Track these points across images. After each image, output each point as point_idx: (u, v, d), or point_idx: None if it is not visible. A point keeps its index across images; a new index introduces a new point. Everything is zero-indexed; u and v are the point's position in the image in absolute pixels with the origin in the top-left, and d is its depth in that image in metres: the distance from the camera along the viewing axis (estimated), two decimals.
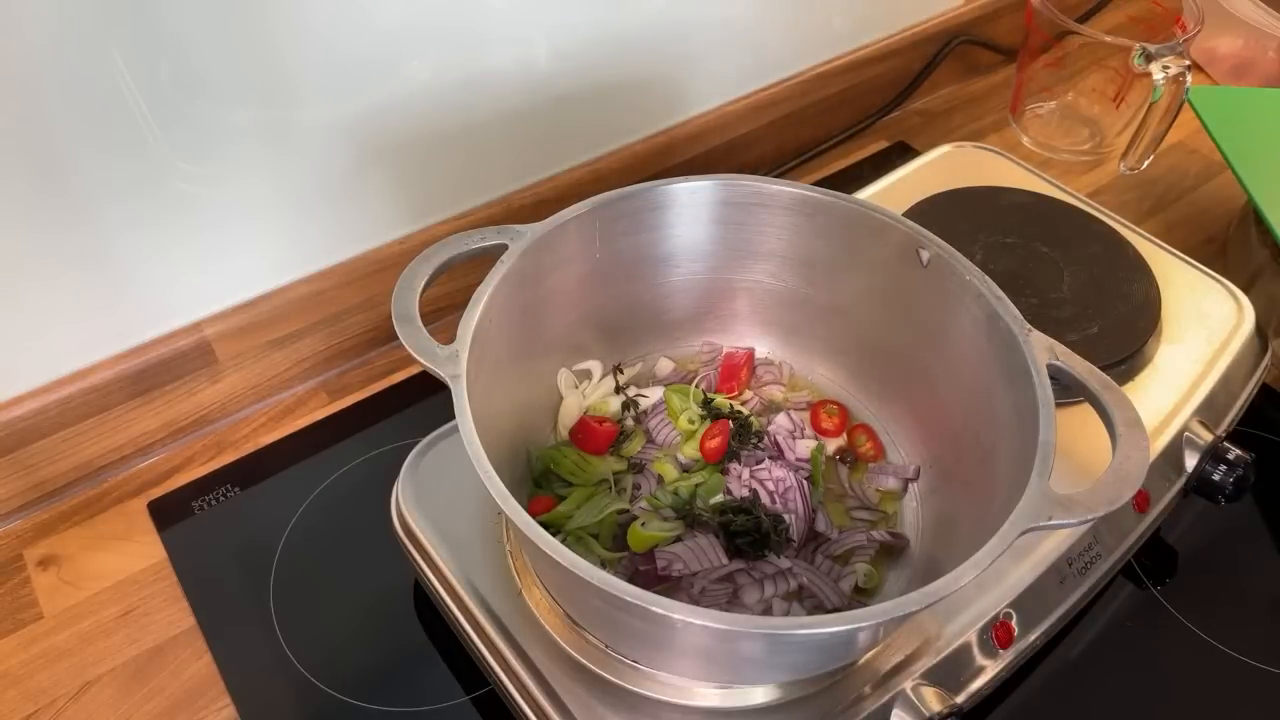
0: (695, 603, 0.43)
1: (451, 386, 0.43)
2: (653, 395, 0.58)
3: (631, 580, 0.42)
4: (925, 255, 0.51)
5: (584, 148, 0.76)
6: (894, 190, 0.71)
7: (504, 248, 0.49)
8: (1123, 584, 0.59)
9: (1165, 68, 0.73)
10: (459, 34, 0.63)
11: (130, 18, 0.50)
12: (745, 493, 0.52)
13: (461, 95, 0.66)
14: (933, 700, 0.46)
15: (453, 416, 0.41)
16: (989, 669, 0.49)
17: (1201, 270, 0.66)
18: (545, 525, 0.39)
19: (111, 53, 0.51)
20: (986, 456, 0.47)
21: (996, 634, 0.49)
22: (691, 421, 0.56)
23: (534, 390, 0.56)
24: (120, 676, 0.55)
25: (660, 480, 0.54)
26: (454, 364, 0.43)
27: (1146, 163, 0.80)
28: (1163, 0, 0.83)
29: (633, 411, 0.58)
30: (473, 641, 0.50)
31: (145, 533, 0.62)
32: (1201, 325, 0.62)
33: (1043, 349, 0.45)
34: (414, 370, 0.71)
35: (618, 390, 0.59)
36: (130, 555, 0.61)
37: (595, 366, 0.59)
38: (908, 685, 0.47)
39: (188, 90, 0.55)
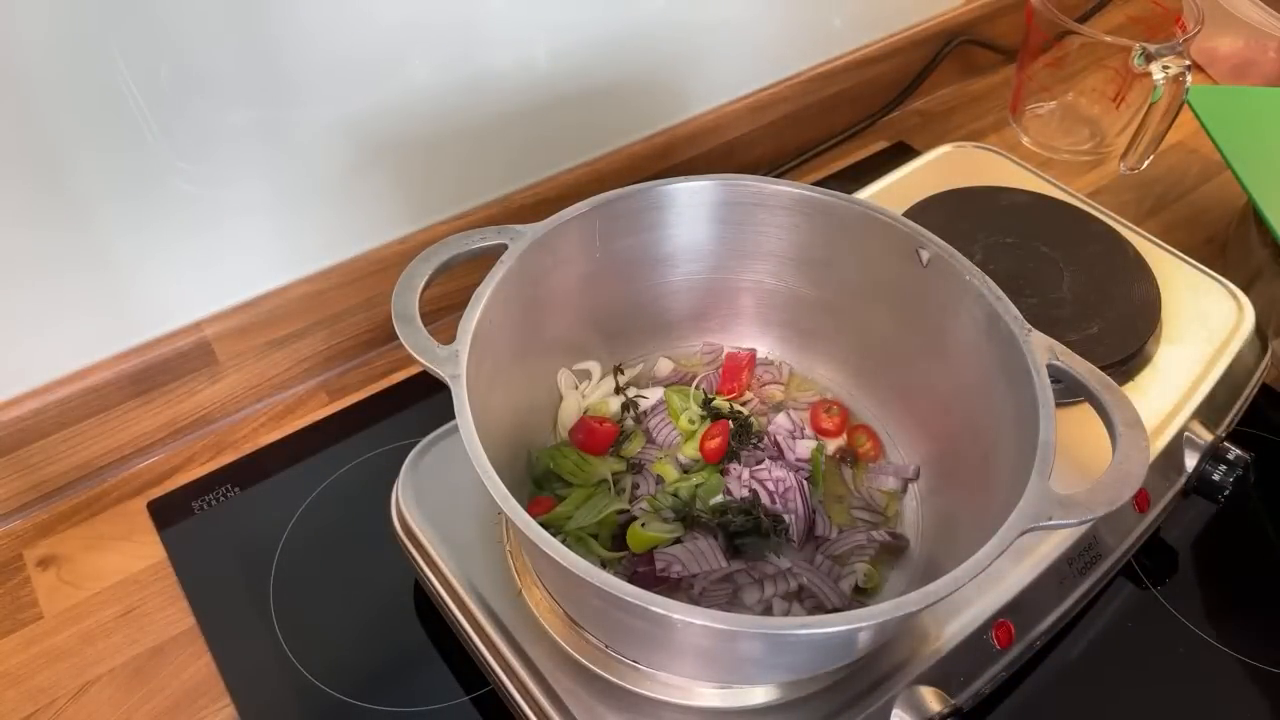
0: (695, 603, 0.43)
1: (451, 386, 0.43)
2: (653, 396, 0.58)
3: (630, 581, 0.42)
4: (925, 255, 0.51)
5: (584, 148, 0.76)
6: (894, 190, 0.71)
7: (504, 248, 0.49)
8: (1123, 584, 0.59)
9: (1165, 68, 0.73)
10: (459, 34, 0.63)
11: (129, 17, 0.50)
12: (745, 493, 0.52)
13: (461, 95, 0.66)
14: (933, 700, 0.46)
15: (453, 416, 0.41)
16: (989, 669, 0.49)
17: (1201, 270, 0.66)
18: (545, 525, 0.39)
19: (111, 52, 0.51)
20: (986, 456, 0.47)
21: (996, 634, 0.49)
22: (692, 422, 0.56)
23: (534, 390, 0.56)
24: (120, 676, 0.55)
25: (660, 481, 0.54)
26: (454, 364, 0.43)
27: (1146, 163, 0.80)
28: (1163, 0, 0.83)
29: (633, 412, 0.58)
30: (473, 641, 0.50)
31: (145, 533, 0.62)
32: (1201, 325, 0.62)
33: (1043, 349, 0.45)
34: (414, 370, 0.71)
35: (618, 390, 0.59)
36: (130, 555, 0.61)
37: (595, 366, 0.59)
38: (908, 685, 0.47)
39: (187, 90, 0.55)
